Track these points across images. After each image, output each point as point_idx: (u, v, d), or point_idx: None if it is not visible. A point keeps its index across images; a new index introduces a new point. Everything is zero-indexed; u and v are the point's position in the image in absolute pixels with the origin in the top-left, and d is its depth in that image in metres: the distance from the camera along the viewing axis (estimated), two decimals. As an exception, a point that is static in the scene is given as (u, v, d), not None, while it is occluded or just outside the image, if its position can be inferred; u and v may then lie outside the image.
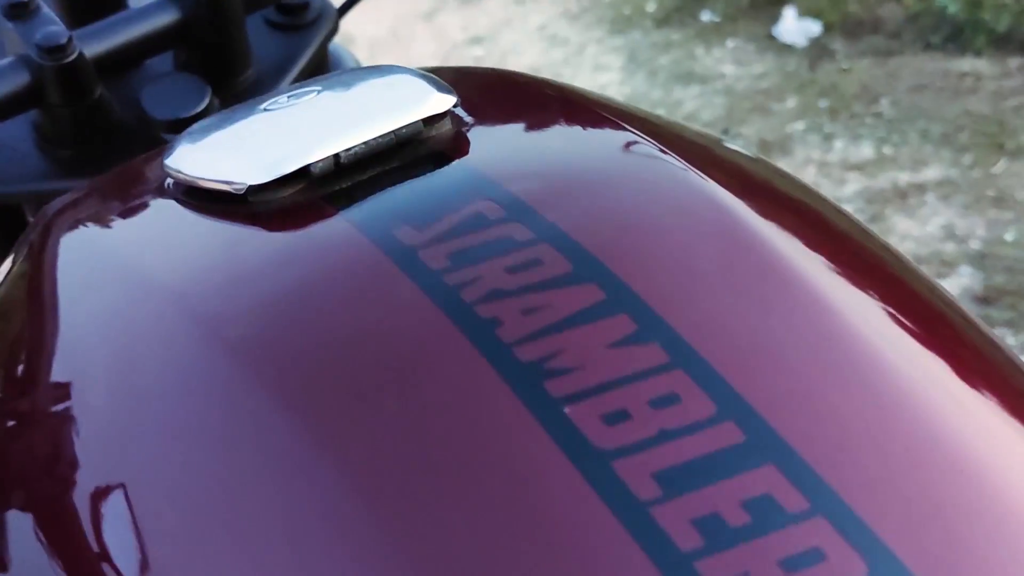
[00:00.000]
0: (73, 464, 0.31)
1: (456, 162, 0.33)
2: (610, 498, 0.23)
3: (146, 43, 0.48)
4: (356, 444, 0.26)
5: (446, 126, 0.35)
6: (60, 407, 0.33)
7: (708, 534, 0.22)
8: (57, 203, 0.42)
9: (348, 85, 0.37)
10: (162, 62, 0.51)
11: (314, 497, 0.26)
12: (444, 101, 0.34)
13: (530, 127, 0.37)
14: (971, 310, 1.36)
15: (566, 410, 0.25)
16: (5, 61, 0.45)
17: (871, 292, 0.30)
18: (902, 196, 1.72)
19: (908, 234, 1.63)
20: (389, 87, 0.36)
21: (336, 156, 0.33)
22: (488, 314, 0.27)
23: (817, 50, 1.96)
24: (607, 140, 0.35)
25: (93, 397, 0.32)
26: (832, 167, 1.85)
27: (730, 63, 2.00)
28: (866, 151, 1.86)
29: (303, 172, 0.33)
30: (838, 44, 1.96)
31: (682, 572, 0.22)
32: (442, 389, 0.27)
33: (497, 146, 0.35)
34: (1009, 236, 1.58)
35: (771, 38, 1.99)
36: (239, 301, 0.31)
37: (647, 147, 0.34)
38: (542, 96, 0.39)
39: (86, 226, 0.39)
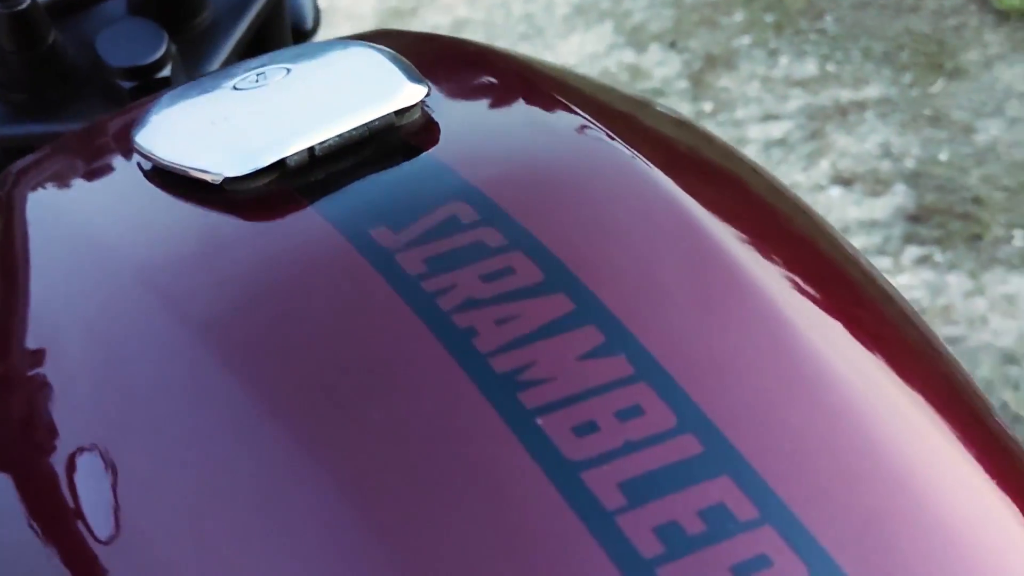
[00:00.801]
0: (37, 426, 0.33)
1: (428, 157, 0.33)
2: (579, 507, 0.25)
3: None
4: (331, 439, 0.27)
5: (416, 114, 0.35)
6: (29, 373, 0.34)
7: (668, 541, 0.24)
8: (23, 163, 0.41)
9: (317, 67, 0.37)
10: (115, 4, 0.50)
11: (287, 497, 0.27)
12: (416, 92, 0.35)
13: (493, 115, 0.37)
14: (904, 228, 1.42)
15: (539, 421, 0.26)
16: None
17: (819, 294, 0.31)
18: (843, 113, 1.77)
19: (847, 151, 1.68)
20: (360, 73, 0.35)
21: (311, 149, 0.34)
22: (464, 324, 0.28)
23: (764, -35, 1.98)
24: (567, 131, 0.35)
25: (59, 364, 0.33)
26: (776, 83, 1.88)
27: (679, -26, 2.02)
28: (810, 68, 1.90)
29: (277, 163, 0.34)
30: (785, -41, 1.98)
31: None
32: (421, 397, 0.27)
33: (465, 139, 0.35)
34: (943, 156, 1.64)
35: (720, -49, 2.01)
36: (217, 290, 0.32)
37: (605, 137, 0.34)
38: (498, 73, 0.39)
39: (52, 191, 0.39)
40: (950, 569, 0.25)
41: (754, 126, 1.78)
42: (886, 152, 1.66)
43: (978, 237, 1.47)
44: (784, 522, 0.24)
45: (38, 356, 0.34)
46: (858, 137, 1.70)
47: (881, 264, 1.46)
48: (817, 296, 0.31)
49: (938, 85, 1.77)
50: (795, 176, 1.66)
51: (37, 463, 0.32)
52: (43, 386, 0.33)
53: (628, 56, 2.03)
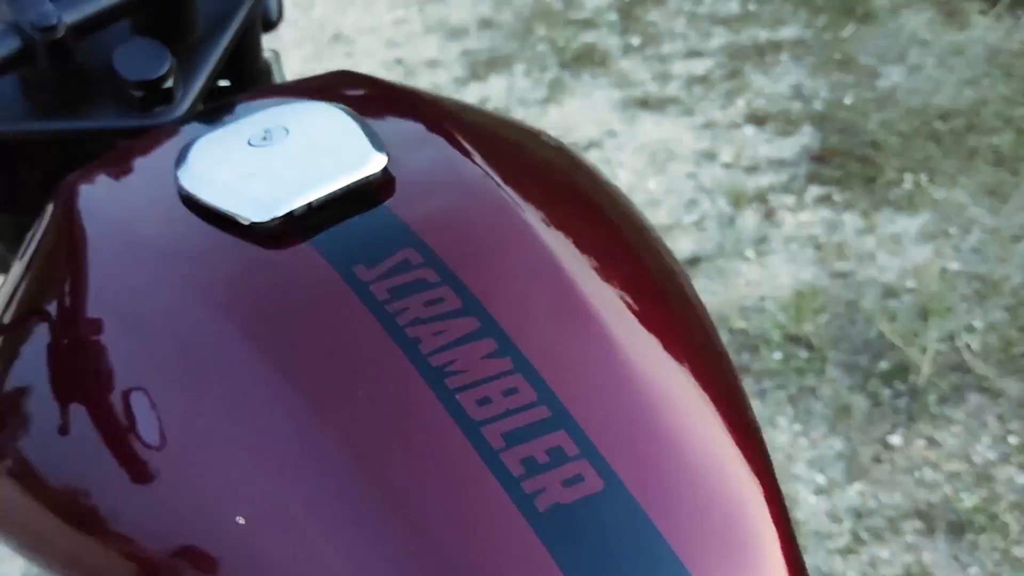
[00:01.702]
0: (99, 373, 0.48)
1: (386, 210, 0.49)
2: (478, 448, 0.40)
3: (116, 11, 0.59)
4: (321, 402, 0.43)
5: (380, 173, 0.50)
6: (92, 337, 0.49)
7: (528, 467, 0.40)
8: (76, 175, 0.55)
9: (309, 131, 0.51)
10: (122, 24, 0.62)
11: (288, 437, 0.42)
12: (381, 160, 0.50)
13: (429, 170, 0.52)
14: (808, 168, 1.54)
15: (457, 397, 0.42)
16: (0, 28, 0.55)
17: (637, 304, 0.47)
18: (760, 53, 1.88)
19: (761, 91, 1.79)
20: (342, 141, 0.51)
21: (310, 203, 0.48)
22: (413, 335, 0.44)
23: (694, -93, 2.06)
24: (478, 184, 0.50)
25: (112, 333, 0.48)
26: (701, 20, 1.99)
27: (614, -92, 2.09)
28: (733, 6, 2.00)
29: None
30: (714, -100, 2.06)
31: (514, 489, 0.39)
32: (384, 381, 0.42)
33: (412, 193, 0.50)
34: (848, 99, 1.75)
35: None
36: (240, 293, 0.46)
37: (506, 189, 0.50)
38: (431, 124, 0.54)
39: (106, 204, 0.53)
40: (698, 486, 0.41)
41: (679, 62, 1.88)
42: (797, 94, 1.78)
43: (873, 179, 1.60)
44: (594, 457, 0.41)
45: (97, 325, 0.49)
46: (773, 78, 1.82)
47: (786, 201, 1.59)
48: (635, 307, 0.48)
49: (848, 29, 1.88)
50: (713, 114, 1.77)
51: (102, 397, 0.47)
52: (102, 348, 0.48)
53: (563, -14, 2.12)
